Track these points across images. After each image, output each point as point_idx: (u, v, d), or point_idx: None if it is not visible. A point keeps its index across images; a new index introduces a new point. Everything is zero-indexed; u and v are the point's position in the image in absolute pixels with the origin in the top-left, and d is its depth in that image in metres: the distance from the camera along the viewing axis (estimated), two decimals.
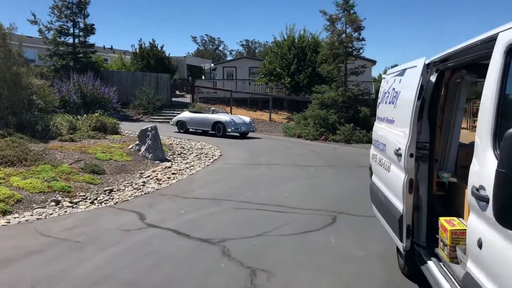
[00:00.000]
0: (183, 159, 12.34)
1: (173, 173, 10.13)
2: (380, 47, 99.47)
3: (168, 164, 11.25)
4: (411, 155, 3.74)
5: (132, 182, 8.94)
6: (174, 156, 12.70)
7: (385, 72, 6.22)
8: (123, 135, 15.68)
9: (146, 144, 11.75)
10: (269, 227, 6.03)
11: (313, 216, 6.76)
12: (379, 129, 4.99)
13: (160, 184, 9.00)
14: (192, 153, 13.57)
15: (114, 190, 8.32)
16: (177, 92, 33.87)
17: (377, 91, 33.46)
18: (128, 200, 7.65)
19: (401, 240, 3.87)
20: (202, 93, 30.18)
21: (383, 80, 6.25)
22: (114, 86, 25.74)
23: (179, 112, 25.77)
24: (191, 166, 11.17)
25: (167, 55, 30.50)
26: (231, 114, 21.85)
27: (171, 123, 21.07)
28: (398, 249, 4.73)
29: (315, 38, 27.65)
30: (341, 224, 6.35)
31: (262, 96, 28.45)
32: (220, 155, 13.16)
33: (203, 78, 42.51)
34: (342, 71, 21.05)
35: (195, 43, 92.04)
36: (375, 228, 6.12)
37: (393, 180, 4.12)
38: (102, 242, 5.32)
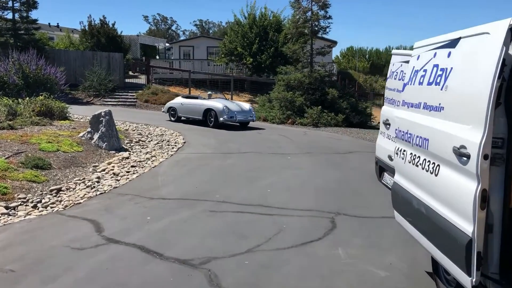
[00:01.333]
0: (143, 148, 10.95)
1: (132, 166, 8.76)
2: (340, 28, 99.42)
3: (126, 154, 9.86)
4: (486, 157, 2.69)
5: (84, 179, 7.53)
6: (132, 144, 11.29)
7: (391, 51, 5.17)
8: (73, 120, 14.00)
9: (100, 132, 10.27)
10: (261, 238, 4.89)
11: (308, 219, 5.69)
12: (407, 117, 3.92)
13: (118, 180, 7.65)
14: (151, 140, 12.17)
15: (62, 189, 6.91)
16: (130, 73, 31.81)
17: (341, 72, 32.93)
18: (80, 203, 6.28)
19: (468, 272, 2.84)
20: (157, 73, 28.39)
21: (395, 57, 5.20)
22: (61, 66, 23.63)
23: (133, 94, 24.08)
24: (152, 156, 9.82)
25: (119, 33, 28.36)
26: (231, 100, 18.69)
27: (163, 110, 18.08)
28: (436, 271, 3.74)
29: (277, 16, 26.50)
30: (343, 230, 5.31)
31: (223, 77, 27.07)
32: (184, 143, 11.85)
33: (158, 58, 40.43)
34: (307, 51, 20.04)
35: (147, 22, 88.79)
36: (385, 233, 5.15)
37: (448, 189, 3.07)
38: (46, 270, 4.00)
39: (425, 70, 3.71)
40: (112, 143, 10.28)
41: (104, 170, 8.35)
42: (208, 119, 15.47)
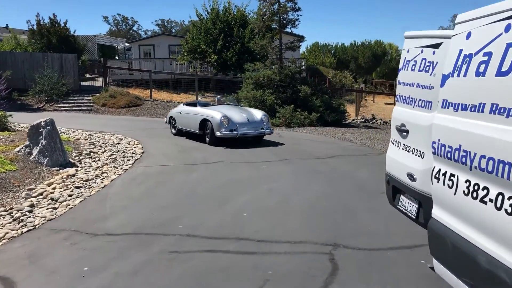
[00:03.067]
0: (94, 161, 9.36)
1: (77, 187, 7.21)
2: (304, 23, 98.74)
3: (72, 171, 8.26)
4: None
5: (12, 209, 5.95)
6: (81, 157, 9.67)
7: (404, 34, 3.88)
8: (14, 131, 12.20)
9: (40, 145, 8.63)
10: None
11: (300, 258, 4.35)
12: (459, 125, 2.61)
13: (55, 208, 6.09)
14: (105, 151, 10.57)
15: None
16: (88, 75, 29.76)
17: (310, 68, 31.79)
18: None
19: None
20: (116, 75, 26.49)
21: (410, 42, 3.90)
22: (7, 69, 21.52)
23: (90, 98, 22.19)
24: (103, 172, 8.25)
25: (72, 32, 26.22)
26: (241, 106, 13.93)
27: (165, 120, 14.66)
28: None
29: (241, 11, 25.08)
30: (349, 273, 3.99)
31: (186, 76, 25.45)
32: (143, 152, 10.31)
33: (117, 58, 38.33)
34: (276, 46, 18.74)
35: (107, 23, 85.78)
36: (405, 276, 3.84)
37: None
38: None
39: (488, 54, 2.40)
40: (55, 158, 8.66)
41: (41, 194, 6.77)
42: (205, 133, 11.68)
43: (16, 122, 14.10)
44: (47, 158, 8.50)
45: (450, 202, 2.67)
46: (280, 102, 17.30)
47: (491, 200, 2.28)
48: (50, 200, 6.49)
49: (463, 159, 2.52)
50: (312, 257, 4.36)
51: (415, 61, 3.72)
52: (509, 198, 2.15)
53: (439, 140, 2.80)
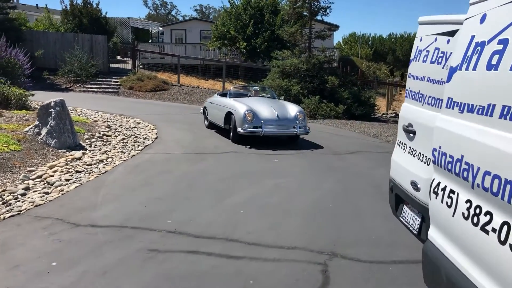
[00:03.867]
0: (104, 145, 9.14)
1: (77, 171, 6.97)
2: (342, 13, 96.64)
3: (79, 153, 8.05)
4: None
5: (5, 191, 5.74)
6: (93, 140, 9.45)
7: (418, 20, 3.33)
8: (33, 110, 12.15)
9: (48, 126, 8.45)
10: None
11: (288, 268, 3.90)
12: (463, 130, 2.09)
13: (47, 193, 5.84)
14: (119, 134, 10.35)
15: None
16: (119, 57, 29.90)
17: (342, 59, 30.87)
18: None
19: None
20: (146, 58, 26.41)
21: (424, 28, 3.35)
22: (40, 49, 21.76)
23: (117, 80, 22.17)
24: (108, 157, 8.00)
25: (103, 14, 26.25)
26: (277, 100, 11.37)
27: (200, 110, 13.08)
28: None
29: None
30: None
31: (215, 63, 25.11)
32: (155, 138, 10.03)
33: (151, 42, 38.36)
34: (306, 34, 18.10)
35: (147, 7, 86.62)
36: None
37: None
38: None
39: (503, 41, 1.87)
40: (63, 139, 8.46)
41: (40, 176, 6.56)
42: (230, 127, 10.18)
43: (41, 101, 14.09)
44: (55, 140, 8.31)
45: (448, 224, 2.17)
46: (307, 92, 16.72)
47: (494, 230, 1.78)
48: (46, 184, 6.26)
49: (465, 174, 2.01)
50: (303, 267, 3.91)
51: (428, 51, 3.18)
52: None
53: (440, 147, 2.29)
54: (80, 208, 5.26)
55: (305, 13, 18.26)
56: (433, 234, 2.35)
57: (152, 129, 11.17)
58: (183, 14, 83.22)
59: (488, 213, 1.84)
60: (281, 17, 22.19)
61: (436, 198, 2.30)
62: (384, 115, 19.22)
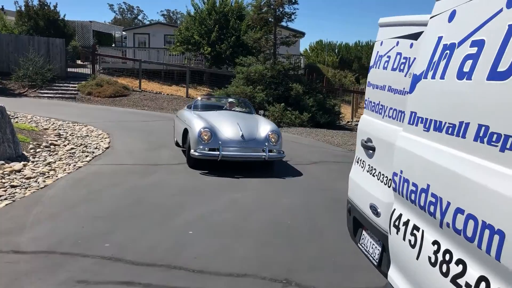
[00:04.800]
0: (50, 155, 8.44)
1: (13, 185, 6.30)
2: (309, 20, 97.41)
3: (19, 165, 7.35)
4: None
5: None
6: (38, 150, 8.73)
7: (378, 22, 2.94)
8: None
9: None
10: None
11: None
12: (428, 154, 1.70)
13: None
14: (68, 143, 9.66)
15: None
16: (80, 62, 28.83)
17: (309, 66, 30.74)
18: None
19: None
20: (107, 63, 25.52)
21: (385, 30, 2.98)
22: None
23: (75, 85, 21.23)
24: (51, 170, 7.34)
25: (62, 16, 25.22)
26: (251, 114, 9.49)
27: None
28: None
29: (239, 3, 24.10)
30: None
31: (179, 68, 24.49)
32: (107, 148, 9.40)
33: (114, 46, 37.32)
34: (271, 40, 17.79)
35: (112, 11, 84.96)
36: None
37: None
38: None
39: (478, 43, 1.48)
40: (2, 149, 7.73)
41: None
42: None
43: None
44: None
45: (411, 268, 1.76)
46: (272, 99, 16.37)
47: (468, 286, 1.37)
48: None
49: (431, 208, 1.60)
50: None
51: (389, 57, 2.79)
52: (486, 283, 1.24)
53: (401, 172, 1.88)
54: (4, 230, 4.64)
55: (270, 19, 17.96)
56: (393, 276, 1.94)
57: (105, 138, 10.51)
58: (150, 19, 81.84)
59: (460, 261, 1.43)
60: (246, 22, 21.84)
61: (397, 233, 1.89)
62: (349, 123, 19.08)
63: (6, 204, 5.51)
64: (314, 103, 16.56)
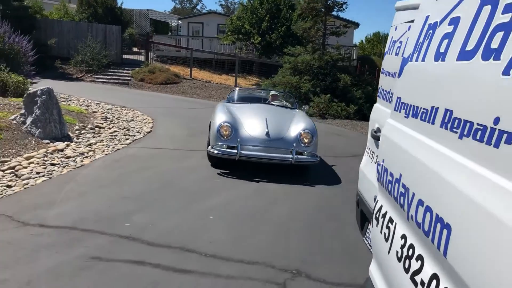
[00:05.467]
0: (93, 137, 8.77)
1: (52, 163, 6.60)
2: (366, 11, 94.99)
3: (62, 145, 7.70)
4: None
5: None
6: (83, 131, 9.09)
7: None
8: None
9: (34, 115, 8.12)
10: None
11: (241, 286, 3.41)
12: (405, 142, 1.58)
13: (10, 187, 5.48)
14: (113, 126, 9.99)
15: None
16: (136, 49, 29.70)
17: (362, 58, 30.01)
18: None
19: None
20: (161, 51, 26.11)
21: (401, 14, 2.82)
22: (54, 37, 21.70)
23: (129, 71, 21.90)
24: (91, 150, 7.62)
25: (119, 4, 26.04)
26: (292, 109, 8.60)
27: None
28: None
29: None
30: None
31: (229, 57, 24.65)
32: (149, 132, 9.64)
33: (170, 34, 38.14)
34: (320, 30, 17.48)
35: (172, 0, 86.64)
36: None
37: None
38: None
39: (454, 21, 1.35)
40: (48, 129, 8.12)
41: (13, 168, 6.20)
42: None
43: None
44: (39, 130, 7.97)
45: (384, 263, 1.65)
46: (319, 90, 16.12)
47: (422, 284, 1.26)
48: (14, 176, 5.90)
49: (401, 199, 1.49)
50: (258, 287, 3.42)
51: (401, 42, 2.64)
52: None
53: (383, 161, 1.77)
54: (36, 204, 4.87)
55: (320, 9, 17.63)
56: (373, 271, 1.84)
57: (149, 123, 10.78)
58: (208, 9, 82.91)
59: (419, 257, 1.32)
60: (298, 12, 21.58)
61: (376, 225, 1.79)
62: None
63: (43, 181, 5.78)
64: (362, 95, 16.15)
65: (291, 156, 6.67)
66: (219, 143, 6.79)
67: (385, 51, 2.95)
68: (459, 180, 1.11)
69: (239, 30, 23.04)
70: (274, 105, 8.42)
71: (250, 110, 7.70)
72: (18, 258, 3.60)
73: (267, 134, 6.82)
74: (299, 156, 6.77)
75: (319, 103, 15.32)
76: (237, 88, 9.94)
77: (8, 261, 3.53)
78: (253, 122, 7.09)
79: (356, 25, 26.97)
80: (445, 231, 1.13)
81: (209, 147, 6.94)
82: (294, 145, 6.75)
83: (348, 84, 16.17)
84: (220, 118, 7.06)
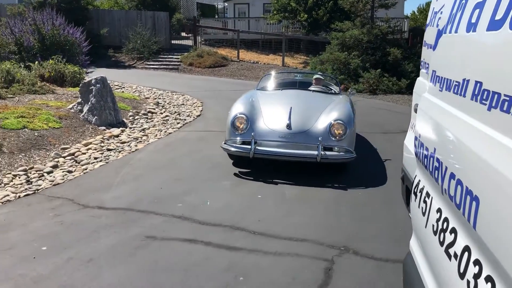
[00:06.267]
0: (147, 122, 9.10)
1: (109, 149, 6.94)
2: None
3: (117, 131, 8.06)
4: None
5: (32, 168, 5.81)
6: (137, 117, 9.45)
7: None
8: None
9: (89, 103, 8.53)
10: None
11: (290, 263, 3.50)
12: (439, 115, 1.57)
13: (71, 172, 5.83)
14: (164, 111, 10.29)
15: None
16: (184, 34, 30.14)
17: (415, 29, 28.85)
18: None
19: None
20: (208, 34, 26.35)
21: None
22: (105, 27, 22.44)
23: (178, 56, 22.30)
24: (144, 135, 7.92)
25: None
26: (332, 94, 7.49)
27: None
28: None
29: None
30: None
31: (275, 37, 24.50)
32: (198, 116, 9.87)
33: (217, 17, 38.35)
34: (368, 3, 16.97)
35: None
36: None
37: None
38: None
39: None
40: (104, 116, 8.51)
41: (72, 154, 6.59)
42: None
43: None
44: (96, 117, 8.37)
45: (422, 237, 1.66)
46: (369, 65, 15.74)
47: (455, 256, 1.27)
48: (74, 162, 6.27)
49: (436, 174, 1.49)
50: (305, 263, 3.49)
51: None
52: (475, 263, 1.14)
53: (419, 135, 1.76)
54: (95, 188, 5.16)
55: None
56: (413, 245, 1.85)
57: (198, 106, 11.01)
58: None
59: (453, 231, 1.33)
60: None
61: (415, 200, 1.79)
62: None
63: (100, 165, 6.10)
64: (414, 68, 15.61)
65: (316, 152, 5.48)
66: (232, 138, 5.88)
67: (427, 22, 2.87)
68: (487, 152, 1.10)
69: (285, 8, 22.79)
70: (311, 90, 7.31)
71: (277, 98, 6.75)
72: (80, 238, 3.87)
73: (288, 126, 5.71)
74: (328, 153, 5.55)
75: (369, 79, 14.98)
76: (272, 73, 8.44)
77: (72, 241, 3.80)
78: (274, 113, 6.01)
79: None
80: (474, 204, 1.13)
81: (223, 143, 5.98)
82: (320, 139, 5.55)
83: (398, 58, 15.67)
84: (236, 108, 6.22)
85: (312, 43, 23.49)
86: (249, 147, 5.64)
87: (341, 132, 5.70)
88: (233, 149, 5.82)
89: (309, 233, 4.02)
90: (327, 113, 6.00)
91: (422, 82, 2.82)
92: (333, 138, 5.67)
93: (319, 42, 22.41)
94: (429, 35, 2.75)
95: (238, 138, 5.83)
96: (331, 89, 7.73)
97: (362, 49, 16.25)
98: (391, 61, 15.73)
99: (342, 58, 15.74)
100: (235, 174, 5.78)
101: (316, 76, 7.94)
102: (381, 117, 10.34)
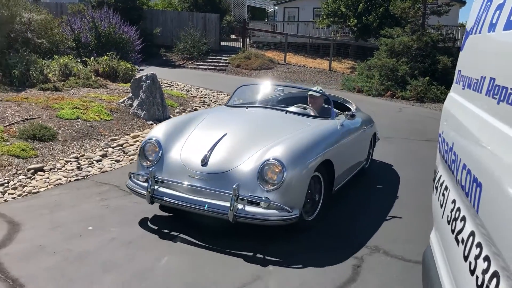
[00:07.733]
0: None
1: None
2: None
3: None
4: None
5: (83, 156, 6.19)
6: (183, 114, 9.78)
7: None
8: None
9: (139, 98, 8.92)
10: None
11: (323, 256, 3.60)
12: (458, 111, 1.65)
13: (118, 161, 6.17)
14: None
15: (45, 169, 5.60)
16: (233, 36, 30.64)
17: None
18: (39, 191, 4.89)
19: None
20: (257, 37, 26.68)
21: None
22: (158, 27, 23.19)
23: (227, 58, 22.71)
24: None
25: None
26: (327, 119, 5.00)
27: None
28: None
29: None
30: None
31: (323, 41, 24.48)
32: None
33: (266, 20, 38.69)
34: (420, 10, 16.69)
35: None
36: None
37: None
38: None
39: None
40: (152, 112, 8.88)
41: (121, 145, 6.96)
42: None
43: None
44: (144, 112, 8.74)
45: (439, 228, 1.74)
46: (417, 73, 15.48)
47: (462, 241, 1.35)
48: (121, 152, 6.61)
49: (452, 166, 1.57)
50: (337, 258, 3.58)
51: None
52: (477, 246, 1.22)
53: (443, 132, 1.83)
54: None
55: None
56: (432, 238, 1.92)
57: None
58: None
59: (463, 219, 1.41)
60: None
61: (436, 193, 1.86)
62: None
63: None
64: None
65: (228, 205, 3.62)
66: (141, 172, 4.23)
67: (466, 27, 2.90)
68: (492, 142, 1.18)
69: (334, 13, 22.75)
70: (286, 111, 5.07)
71: (224, 119, 4.93)
72: (124, 221, 4.12)
73: (204, 161, 3.92)
74: (249, 209, 3.65)
75: (416, 86, 14.74)
76: (245, 84, 6.43)
77: (116, 224, 4.06)
78: (199, 141, 4.22)
79: (463, 3, 25.24)
80: (478, 189, 1.21)
81: (129, 177, 4.33)
82: (235, 186, 3.64)
83: (448, 66, 15.31)
84: (154, 130, 4.57)
85: (361, 48, 23.32)
86: (145, 187, 4.01)
87: (274, 177, 3.72)
88: (132, 188, 4.18)
89: None
90: (272, 146, 3.97)
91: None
92: (262, 186, 3.71)
93: (367, 47, 22.21)
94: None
95: (144, 172, 4.16)
96: (325, 111, 5.30)
97: (411, 56, 16.00)
98: (440, 69, 15.40)
99: (390, 65, 15.56)
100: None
101: (310, 93, 5.45)
102: (424, 125, 10.19)
